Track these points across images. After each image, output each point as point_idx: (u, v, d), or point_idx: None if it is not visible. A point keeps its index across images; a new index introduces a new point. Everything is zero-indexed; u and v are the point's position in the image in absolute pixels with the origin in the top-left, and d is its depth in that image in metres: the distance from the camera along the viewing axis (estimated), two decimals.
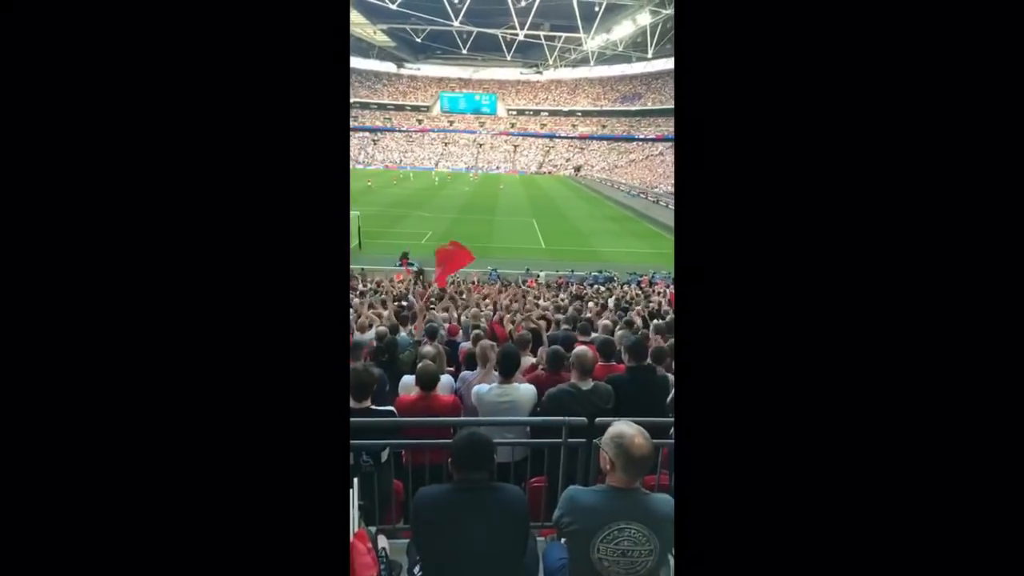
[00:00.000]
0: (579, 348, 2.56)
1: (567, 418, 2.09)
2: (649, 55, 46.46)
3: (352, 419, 2.08)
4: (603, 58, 53.91)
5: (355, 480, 1.26)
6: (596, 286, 11.60)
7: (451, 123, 61.36)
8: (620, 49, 47.74)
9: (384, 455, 2.13)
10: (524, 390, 2.55)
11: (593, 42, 46.28)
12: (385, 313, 5.05)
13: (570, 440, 2.10)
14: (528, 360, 3.24)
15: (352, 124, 58.28)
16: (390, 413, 2.31)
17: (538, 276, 13.21)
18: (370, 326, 4.26)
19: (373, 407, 2.29)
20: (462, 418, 2.49)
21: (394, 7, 39.72)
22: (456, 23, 42.42)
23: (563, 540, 1.55)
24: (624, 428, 1.38)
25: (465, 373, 2.96)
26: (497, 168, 53.19)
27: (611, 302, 7.93)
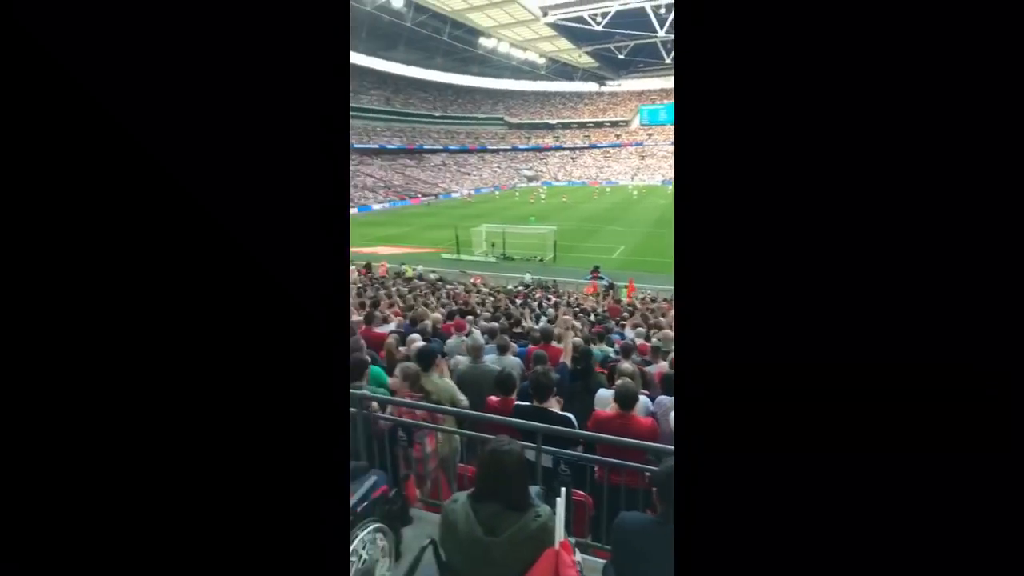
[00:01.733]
0: None
1: None
2: None
3: (528, 420, 2.19)
4: None
5: (563, 489, 1.30)
6: None
7: (649, 136, 59.94)
8: None
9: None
10: None
11: None
12: (579, 326, 5.17)
13: None
14: None
15: (554, 144, 62.00)
16: (568, 420, 2.34)
17: None
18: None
19: (551, 410, 2.36)
20: (656, 444, 2.36)
21: (599, 28, 40.95)
22: (661, 33, 41.42)
23: None
24: None
25: (662, 398, 2.81)
26: None
27: None
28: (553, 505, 1.29)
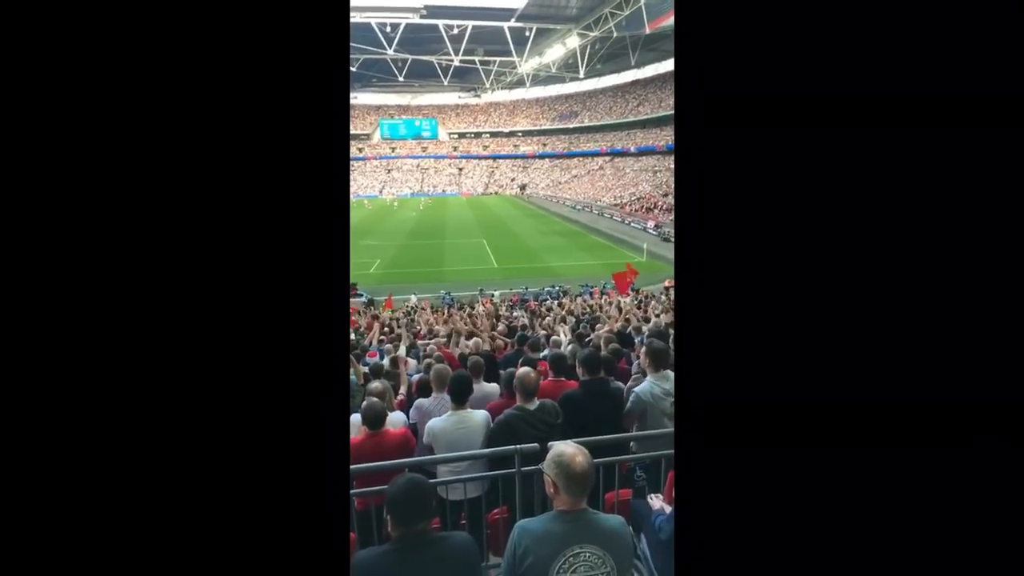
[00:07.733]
0: (520, 370, 2.54)
1: (519, 446, 2.05)
2: (581, 75, 48.47)
3: None
4: (538, 80, 55.61)
5: None
6: (550, 301, 11.72)
7: (393, 149, 61.04)
8: (554, 71, 49.47)
9: None
10: (478, 416, 2.50)
11: (527, 65, 47.72)
12: None
13: (523, 469, 2.06)
14: (489, 388, 3.17)
15: None
16: None
17: (492, 296, 13.19)
18: None
19: None
20: (410, 459, 2.40)
21: None
22: (390, 51, 42.60)
23: None
24: (563, 448, 1.36)
25: (420, 401, 2.87)
26: (443, 192, 53.24)
27: (573, 319, 7.96)
28: None
